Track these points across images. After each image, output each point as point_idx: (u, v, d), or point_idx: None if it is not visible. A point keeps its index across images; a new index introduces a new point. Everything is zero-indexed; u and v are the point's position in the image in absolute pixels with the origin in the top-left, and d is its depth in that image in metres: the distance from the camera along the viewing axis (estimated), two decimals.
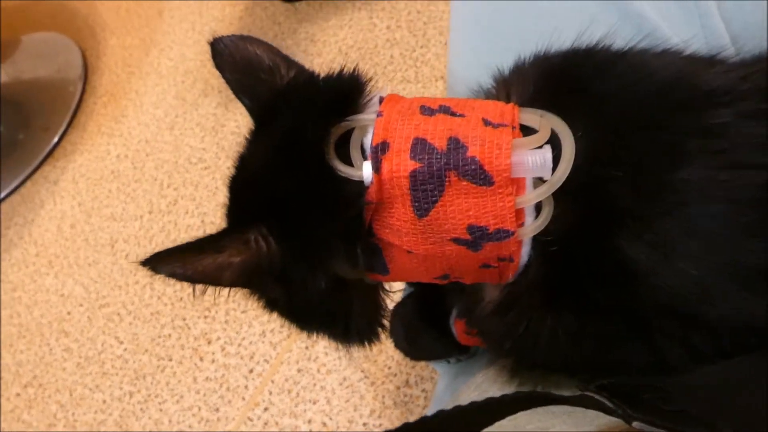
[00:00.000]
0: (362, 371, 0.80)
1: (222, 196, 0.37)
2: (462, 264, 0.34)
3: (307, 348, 0.85)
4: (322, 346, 0.84)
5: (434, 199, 0.31)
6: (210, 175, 1.10)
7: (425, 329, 0.49)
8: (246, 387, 0.86)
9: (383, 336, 0.41)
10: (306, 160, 0.32)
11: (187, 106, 1.21)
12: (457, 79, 0.56)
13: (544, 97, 0.33)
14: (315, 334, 0.39)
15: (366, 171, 0.31)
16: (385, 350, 0.80)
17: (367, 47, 1.10)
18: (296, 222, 0.33)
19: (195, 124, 1.18)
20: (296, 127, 0.33)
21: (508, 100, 0.36)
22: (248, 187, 0.35)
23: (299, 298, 0.35)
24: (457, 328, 0.45)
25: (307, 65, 0.38)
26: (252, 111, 0.38)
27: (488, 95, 0.39)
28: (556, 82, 0.33)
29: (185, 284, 0.32)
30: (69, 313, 1.03)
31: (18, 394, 0.98)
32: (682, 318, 0.29)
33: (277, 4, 1.24)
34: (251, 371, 0.87)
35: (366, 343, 0.39)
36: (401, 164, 0.31)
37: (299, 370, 0.84)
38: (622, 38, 0.37)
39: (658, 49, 0.35)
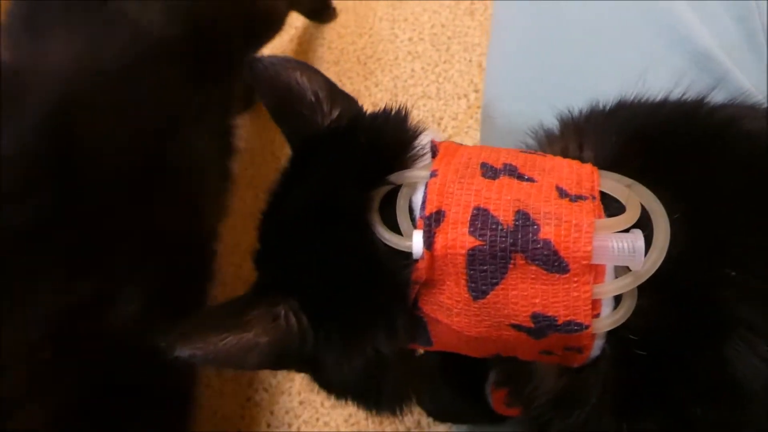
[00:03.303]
0: None
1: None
2: (519, 348, 0.29)
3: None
4: None
5: (494, 281, 0.26)
6: None
7: (453, 391, 0.45)
8: (242, 417, 0.81)
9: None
10: (345, 225, 0.28)
11: None
12: (493, 103, 0.52)
13: (631, 162, 0.28)
14: (342, 401, 0.35)
15: (416, 243, 0.26)
16: None
17: (387, 59, 1.05)
18: (331, 297, 0.28)
19: None
20: (335, 187, 0.28)
21: (580, 153, 0.31)
22: (279, 247, 0.30)
23: (332, 378, 0.30)
24: (495, 396, 0.41)
25: (323, 73, 0.34)
26: (290, 142, 0.33)
27: (551, 139, 0.34)
28: (648, 146, 0.28)
29: None
30: None
31: None
32: None
33: None
34: (248, 400, 0.82)
35: (398, 413, 0.35)
36: (458, 240, 0.26)
37: (301, 402, 0.79)
38: (691, 83, 0.32)
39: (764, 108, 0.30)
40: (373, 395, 0.32)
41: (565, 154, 0.31)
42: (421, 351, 0.41)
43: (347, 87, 1.04)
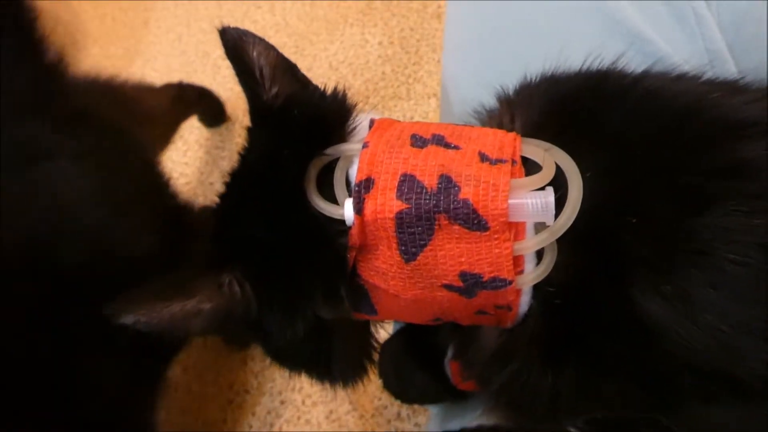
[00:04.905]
0: (350, 403, 0.76)
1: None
2: (455, 309, 0.31)
3: (290, 378, 0.81)
4: None
5: (423, 243, 0.27)
6: (191, 191, 1.06)
7: (417, 370, 0.46)
8: (224, 420, 0.81)
9: (371, 373, 0.38)
10: (284, 197, 0.29)
11: None
12: (450, 92, 0.54)
13: (551, 126, 0.30)
14: (296, 374, 0.36)
15: (347, 210, 0.28)
16: (375, 380, 0.76)
17: (358, 63, 1.07)
18: (273, 266, 0.29)
19: (178, 137, 1.14)
20: (274, 161, 0.30)
21: (512, 124, 0.33)
22: (227, 221, 0.32)
23: (277, 345, 0.32)
24: (453, 369, 0.42)
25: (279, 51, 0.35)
26: (249, 114, 0.34)
27: (491, 116, 0.36)
28: (565, 110, 0.30)
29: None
30: None
31: None
32: (706, 375, 0.26)
33: (266, 17, 1.21)
34: (230, 402, 0.82)
35: (350, 384, 0.37)
36: (386, 204, 0.27)
37: (282, 402, 0.80)
38: (614, 55, 0.34)
39: (673, 74, 0.32)
40: (322, 364, 0.34)
41: (500, 127, 0.33)
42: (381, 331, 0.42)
43: None
